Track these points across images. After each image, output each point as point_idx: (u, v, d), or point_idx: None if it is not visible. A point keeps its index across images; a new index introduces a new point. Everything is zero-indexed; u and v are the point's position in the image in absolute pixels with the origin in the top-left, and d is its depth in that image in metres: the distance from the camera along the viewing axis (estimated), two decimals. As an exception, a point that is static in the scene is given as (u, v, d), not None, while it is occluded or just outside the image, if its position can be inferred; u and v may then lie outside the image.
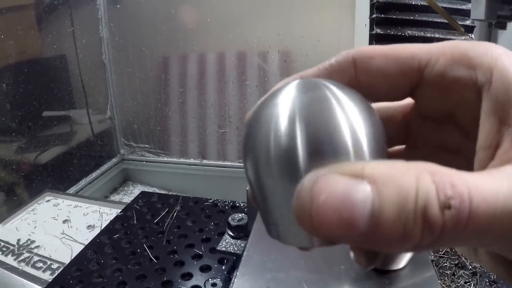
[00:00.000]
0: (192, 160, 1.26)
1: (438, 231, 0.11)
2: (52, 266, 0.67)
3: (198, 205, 0.72)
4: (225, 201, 0.72)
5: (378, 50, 0.16)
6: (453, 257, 0.62)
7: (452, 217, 0.10)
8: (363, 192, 0.11)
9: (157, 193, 0.76)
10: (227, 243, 0.53)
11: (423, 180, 0.11)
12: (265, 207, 0.15)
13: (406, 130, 0.19)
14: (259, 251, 0.33)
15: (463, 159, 0.17)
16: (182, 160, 1.27)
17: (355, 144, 0.13)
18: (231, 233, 0.54)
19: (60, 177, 1.13)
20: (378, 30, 0.88)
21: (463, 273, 0.59)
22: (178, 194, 0.75)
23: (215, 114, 1.21)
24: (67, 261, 0.66)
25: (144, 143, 1.31)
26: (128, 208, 0.73)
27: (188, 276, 0.55)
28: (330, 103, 0.13)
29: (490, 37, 1.05)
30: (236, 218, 0.54)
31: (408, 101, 0.18)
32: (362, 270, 0.29)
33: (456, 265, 0.61)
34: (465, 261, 0.61)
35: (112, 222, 0.70)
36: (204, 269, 0.56)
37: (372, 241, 0.11)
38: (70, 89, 1.24)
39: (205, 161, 1.24)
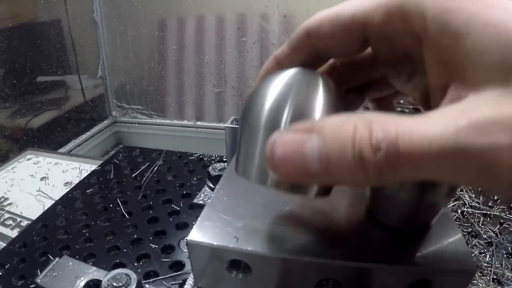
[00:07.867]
0: (186, 122, 1.18)
1: (374, 168, 0.13)
2: (21, 224, 0.61)
3: (182, 160, 0.64)
4: (212, 155, 0.65)
5: (324, 16, 0.18)
6: (465, 224, 0.54)
7: (382, 156, 0.13)
8: (311, 142, 0.14)
9: (139, 148, 0.69)
10: (205, 195, 0.46)
11: (359, 128, 0.13)
12: (244, 150, 0.18)
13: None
14: (230, 193, 0.26)
15: None
16: (176, 122, 1.19)
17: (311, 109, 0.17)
18: (211, 185, 0.46)
19: (47, 139, 1.07)
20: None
21: (477, 242, 0.51)
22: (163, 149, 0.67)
23: (210, 73, 1.12)
24: (37, 218, 0.60)
25: (137, 105, 1.23)
26: (107, 162, 0.67)
27: (161, 234, 0.48)
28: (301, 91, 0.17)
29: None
30: (217, 167, 0.46)
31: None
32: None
33: (469, 233, 0.53)
34: (479, 229, 0.53)
35: (88, 177, 0.63)
36: (180, 226, 0.49)
37: (326, 178, 0.14)
38: (59, 47, 1.16)
39: (199, 123, 1.16)
